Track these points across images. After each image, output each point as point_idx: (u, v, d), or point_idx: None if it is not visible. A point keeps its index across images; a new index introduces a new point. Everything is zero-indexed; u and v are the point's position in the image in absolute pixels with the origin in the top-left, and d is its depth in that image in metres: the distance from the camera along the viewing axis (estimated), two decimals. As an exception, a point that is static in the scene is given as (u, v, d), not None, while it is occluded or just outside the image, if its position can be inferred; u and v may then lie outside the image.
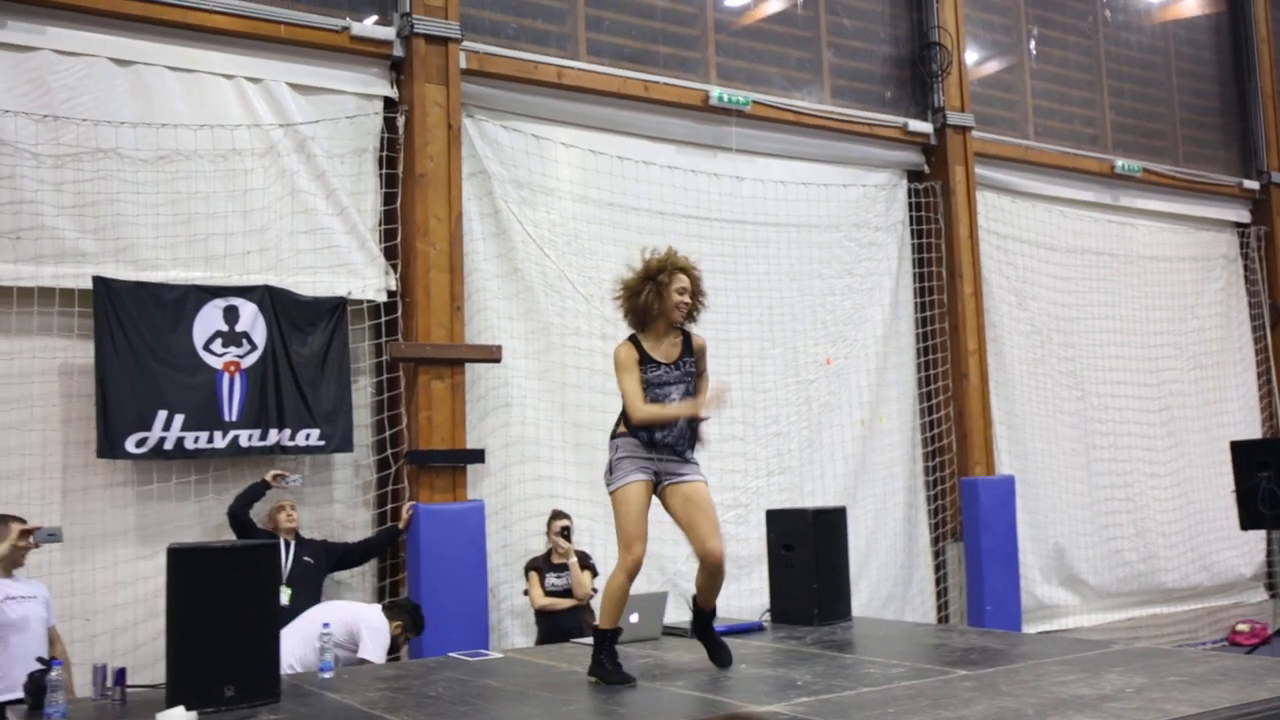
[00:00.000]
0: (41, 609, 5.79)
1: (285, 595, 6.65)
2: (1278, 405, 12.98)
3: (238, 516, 6.84)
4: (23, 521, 5.81)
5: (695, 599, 5.45)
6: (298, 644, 6.12)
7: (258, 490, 6.95)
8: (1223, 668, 4.91)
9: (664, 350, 5.20)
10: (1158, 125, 12.81)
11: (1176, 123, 12.96)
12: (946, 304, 10.40)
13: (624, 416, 5.20)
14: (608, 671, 5.02)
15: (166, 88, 7.23)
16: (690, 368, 5.26)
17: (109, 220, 6.96)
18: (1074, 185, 11.71)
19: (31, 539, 5.72)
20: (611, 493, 5.13)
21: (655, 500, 5.21)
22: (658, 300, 5.13)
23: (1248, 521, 10.30)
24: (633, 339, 5.24)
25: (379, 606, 6.71)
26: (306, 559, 6.97)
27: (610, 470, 5.17)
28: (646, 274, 5.19)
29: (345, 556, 7.29)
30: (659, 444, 5.13)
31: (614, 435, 5.23)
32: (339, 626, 6.25)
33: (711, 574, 5.26)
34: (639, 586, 8.12)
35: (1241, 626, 11.99)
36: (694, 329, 5.37)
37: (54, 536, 5.78)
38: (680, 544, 8.68)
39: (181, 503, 7.03)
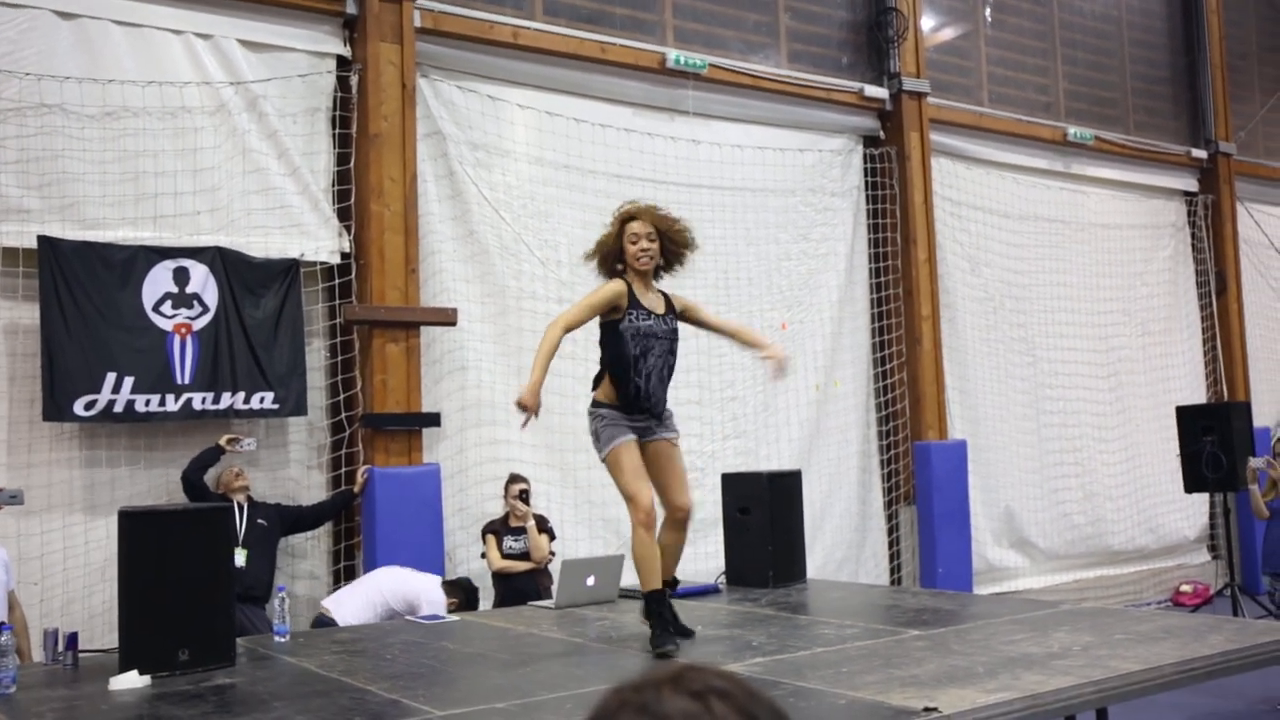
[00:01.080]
0: (0, 572, 5.70)
1: (240, 557, 6.62)
2: (1221, 371, 13.22)
3: (191, 481, 6.77)
4: None
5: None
6: (360, 606, 6.16)
7: (212, 455, 6.88)
8: (1167, 626, 5.01)
9: (649, 302, 5.01)
10: (1109, 94, 12.91)
11: (1127, 91, 13.08)
12: (901, 269, 10.46)
13: (599, 384, 5.06)
14: (673, 634, 4.83)
15: (113, 42, 7.07)
16: (673, 325, 5.08)
17: (54, 177, 6.81)
18: (1027, 152, 11.80)
19: None
20: (604, 460, 4.99)
21: None
22: (618, 250, 4.97)
23: (1191, 485, 10.51)
24: (623, 278, 5.03)
25: (438, 580, 6.75)
26: (260, 521, 6.92)
27: (597, 438, 5.01)
28: (614, 224, 5.05)
29: (299, 520, 7.24)
30: (640, 407, 4.98)
31: (594, 404, 5.05)
32: (397, 596, 6.35)
33: (678, 528, 5.15)
34: (597, 551, 8.20)
35: (1185, 587, 12.26)
36: (676, 292, 5.20)
37: (15, 499, 5.68)
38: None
39: (132, 467, 6.95)
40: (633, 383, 4.92)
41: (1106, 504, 11.92)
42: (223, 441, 6.91)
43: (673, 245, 5.05)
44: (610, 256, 5.02)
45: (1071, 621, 5.21)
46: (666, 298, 5.12)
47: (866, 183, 10.55)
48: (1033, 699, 3.78)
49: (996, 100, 11.74)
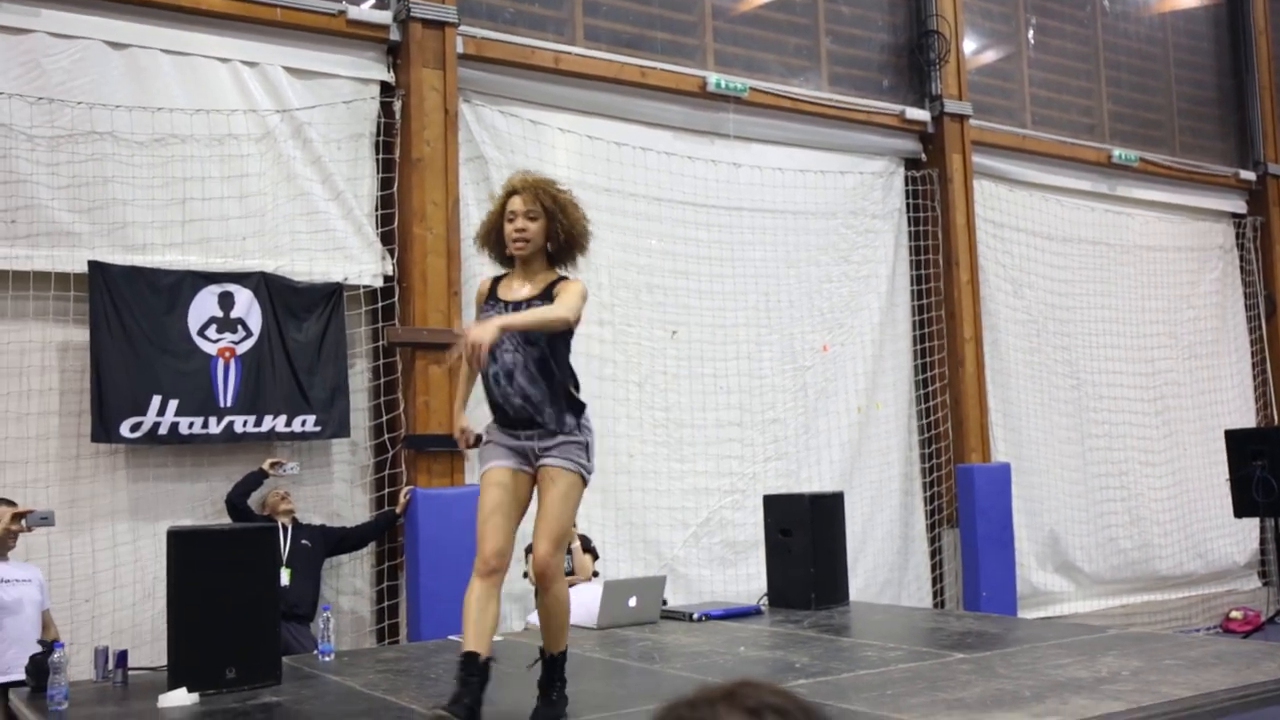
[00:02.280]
0: (36, 592, 5.78)
1: (285, 576, 6.68)
2: (1272, 394, 13.01)
3: (236, 505, 6.85)
4: (14, 505, 5.80)
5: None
6: None
7: (256, 479, 6.95)
8: (1218, 652, 4.93)
9: (517, 287, 4.24)
10: (1155, 115, 12.81)
11: (1174, 113, 12.96)
12: (943, 292, 10.40)
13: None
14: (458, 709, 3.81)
15: (161, 71, 7.19)
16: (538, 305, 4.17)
17: (104, 203, 6.93)
18: (1071, 174, 11.71)
19: (24, 522, 5.72)
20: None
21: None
22: (498, 228, 4.24)
23: (1241, 509, 10.35)
24: (499, 276, 4.35)
25: None
26: (304, 542, 6.98)
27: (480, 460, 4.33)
28: (499, 199, 4.32)
29: (343, 541, 7.29)
30: (508, 418, 4.14)
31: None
32: None
33: (539, 587, 4.16)
34: (638, 572, 8.18)
35: (1235, 614, 12.02)
36: (576, 274, 4.31)
37: (46, 520, 5.77)
38: (677, 528, 8.77)
39: (177, 486, 7.03)
40: (488, 391, 4.18)
41: (1154, 528, 11.75)
42: (266, 465, 6.98)
43: (563, 230, 4.20)
44: (491, 236, 4.29)
45: (1120, 646, 5.14)
46: (551, 285, 4.22)
47: (908, 205, 10.51)
48: (1082, 724, 3.73)
49: (1040, 122, 11.68)
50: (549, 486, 4.10)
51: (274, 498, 7.04)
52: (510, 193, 4.24)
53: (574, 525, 7.41)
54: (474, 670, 3.87)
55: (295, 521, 7.08)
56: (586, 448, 4.20)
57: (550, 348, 4.19)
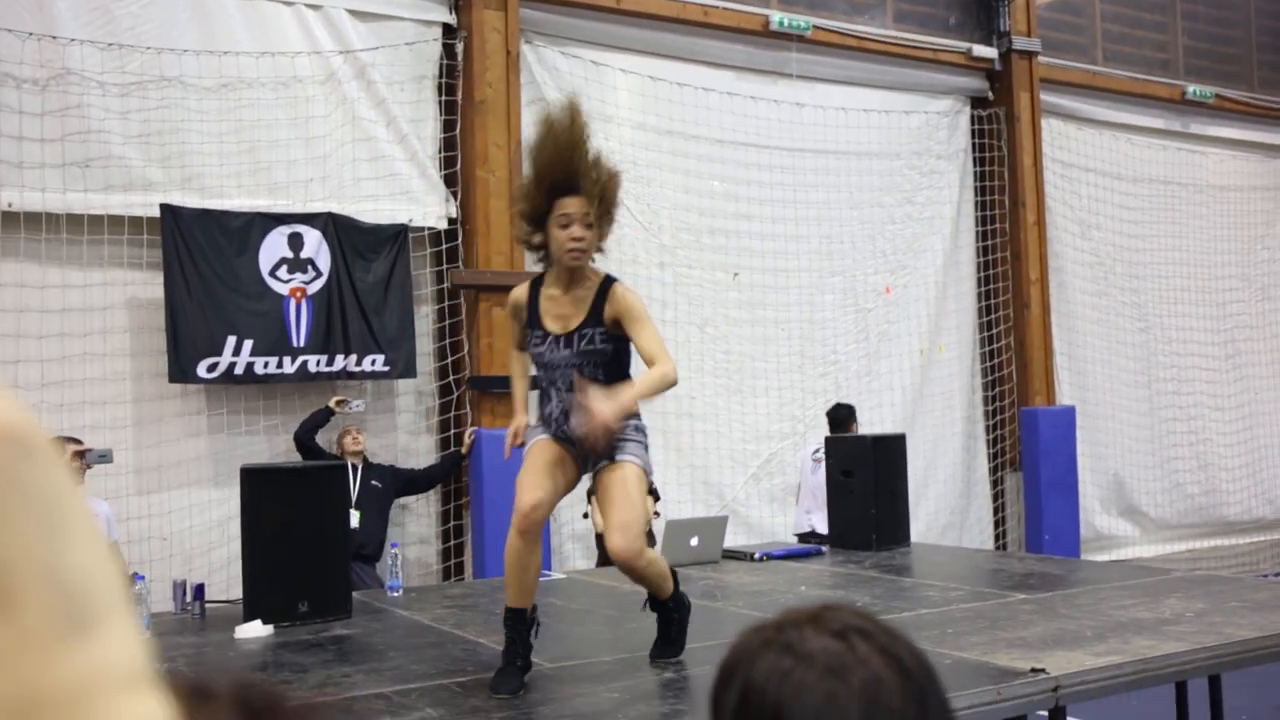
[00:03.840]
0: (103, 525, 5.94)
1: (355, 518, 6.81)
2: (1348, 337, 12.70)
3: (304, 442, 6.99)
4: (79, 442, 5.95)
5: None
6: None
7: (322, 416, 7.08)
8: (1285, 595, 4.89)
9: (560, 309, 3.77)
10: (1232, 50, 12.43)
11: (1252, 47, 12.57)
12: (1008, 233, 10.26)
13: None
14: (516, 672, 3.74)
15: (227, 15, 7.26)
16: (585, 346, 3.72)
17: (175, 149, 7.05)
18: (1143, 112, 11.44)
19: (85, 460, 5.87)
20: None
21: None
22: (546, 238, 3.69)
23: (1314, 454, 10.16)
24: (536, 281, 3.87)
25: None
26: (374, 483, 7.11)
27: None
28: (535, 181, 3.67)
29: (411, 482, 7.42)
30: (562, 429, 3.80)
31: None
32: None
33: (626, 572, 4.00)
34: (699, 512, 8.26)
35: (1304, 559, 11.88)
36: (621, 277, 3.88)
37: (104, 457, 5.92)
38: (738, 471, 8.82)
39: (250, 428, 7.20)
40: (547, 411, 3.89)
41: (1222, 474, 11.59)
42: (332, 403, 7.10)
43: (610, 226, 3.78)
44: (528, 221, 3.71)
45: (1184, 588, 5.11)
46: (598, 302, 3.73)
47: (973, 145, 10.35)
48: (1143, 663, 3.73)
49: (1111, 59, 11.39)
50: (618, 478, 3.77)
51: (346, 439, 7.16)
52: (561, 187, 3.60)
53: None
54: (521, 625, 3.78)
55: (366, 461, 7.21)
56: (645, 447, 3.92)
57: (615, 359, 3.81)
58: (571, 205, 3.59)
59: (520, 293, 3.88)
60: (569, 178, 3.60)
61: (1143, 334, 11.22)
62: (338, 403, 7.11)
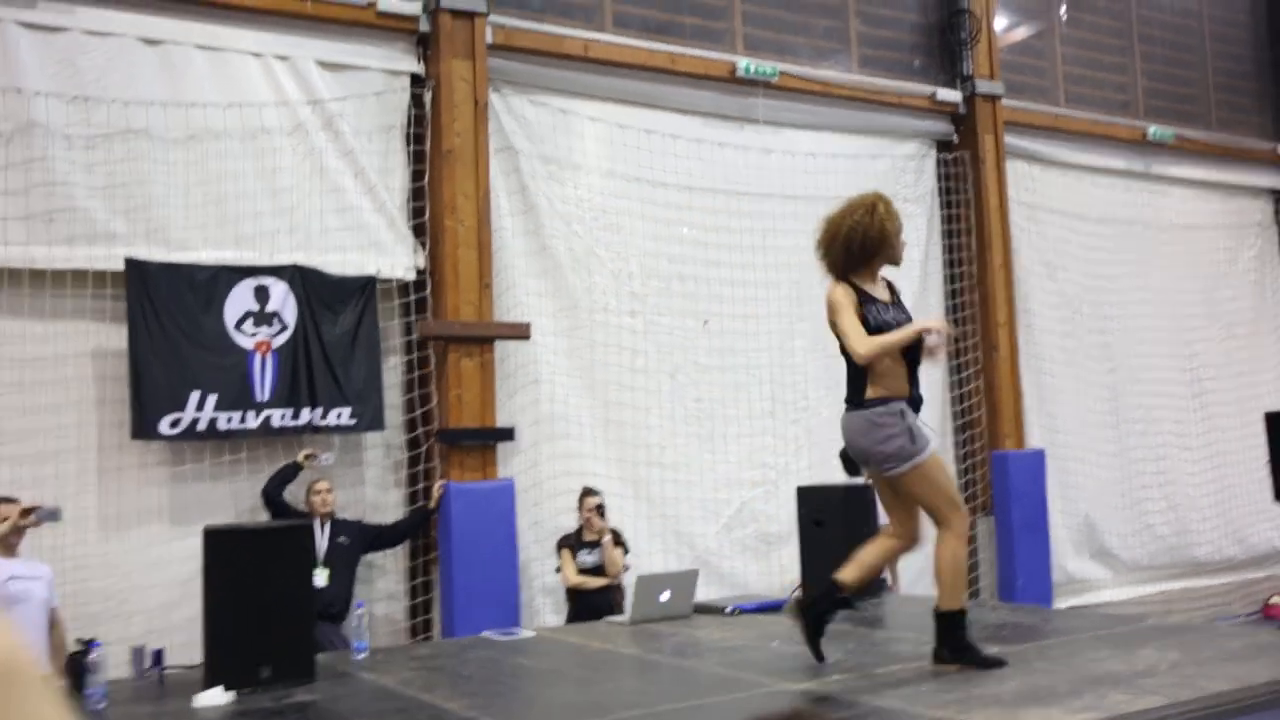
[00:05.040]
0: (43, 590, 5.73)
1: (322, 576, 6.71)
2: (1313, 375, 12.82)
3: (272, 498, 6.89)
4: (17, 501, 5.79)
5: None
6: None
7: (290, 471, 6.99)
8: (1258, 644, 4.88)
9: (879, 291, 4.71)
10: (1190, 90, 12.62)
11: (1210, 88, 12.76)
12: (976, 275, 10.32)
13: (866, 378, 4.55)
14: (979, 654, 4.51)
15: (194, 66, 7.23)
16: (905, 315, 4.73)
17: (140, 201, 6.99)
18: (1105, 153, 11.57)
19: (33, 517, 5.73)
20: (916, 464, 4.45)
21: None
22: (882, 236, 4.64)
23: (1282, 493, 10.19)
24: (847, 281, 4.67)
25: None
26: (341, 539, 7.01)
27: (908, 438, 4.45)
28: (864, 208, 4.69)
29: (379, 538, 7.32)
30: (917, 405, 4.56)
31: (872, 402, 4.51)
32: None
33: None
34: (670, 565, 8.20)
35: (1276, 599, 11.91)
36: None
37: (54, 515, 5.77)
38: (709, 520, 8.76)
39: (215, 483, 7.09)
40: (901, 370, 4.59)
41: (1191, 514, 11.63)
42: (300, 458, 7.01)
43: None
44: (870, 247, 4.67)
45: (1158, 638, 5.09)
46: (889, 285, 4.87)
47: (940, 187, 10.42)
48: (1120, 721, 3.70)
49: (1073, 100, 11.53)
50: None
51: (314, 496, 7.05)
52: (891, 215, 4.71)
53: (604, 519, 7.44)
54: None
55: (333, 518, 7.11)
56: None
57: None
58: (896, 225, 4.77)
59: (848, 287, 4.66)
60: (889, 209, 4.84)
61: (1111, 374, 11.28)
62: (306, 456, 7.02)
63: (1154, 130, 11.80)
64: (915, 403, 4.59)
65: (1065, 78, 11.59)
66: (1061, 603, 10.02)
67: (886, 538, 4.79)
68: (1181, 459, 11.66)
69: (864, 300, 4.58)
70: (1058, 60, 11.59)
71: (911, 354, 4.59)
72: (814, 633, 4.63)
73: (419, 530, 7.60)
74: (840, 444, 9.12)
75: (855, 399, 4.60)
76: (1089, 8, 11.93)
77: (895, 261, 4.76)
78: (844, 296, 4.57)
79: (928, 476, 4.49)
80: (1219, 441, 11.96)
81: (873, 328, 4.51)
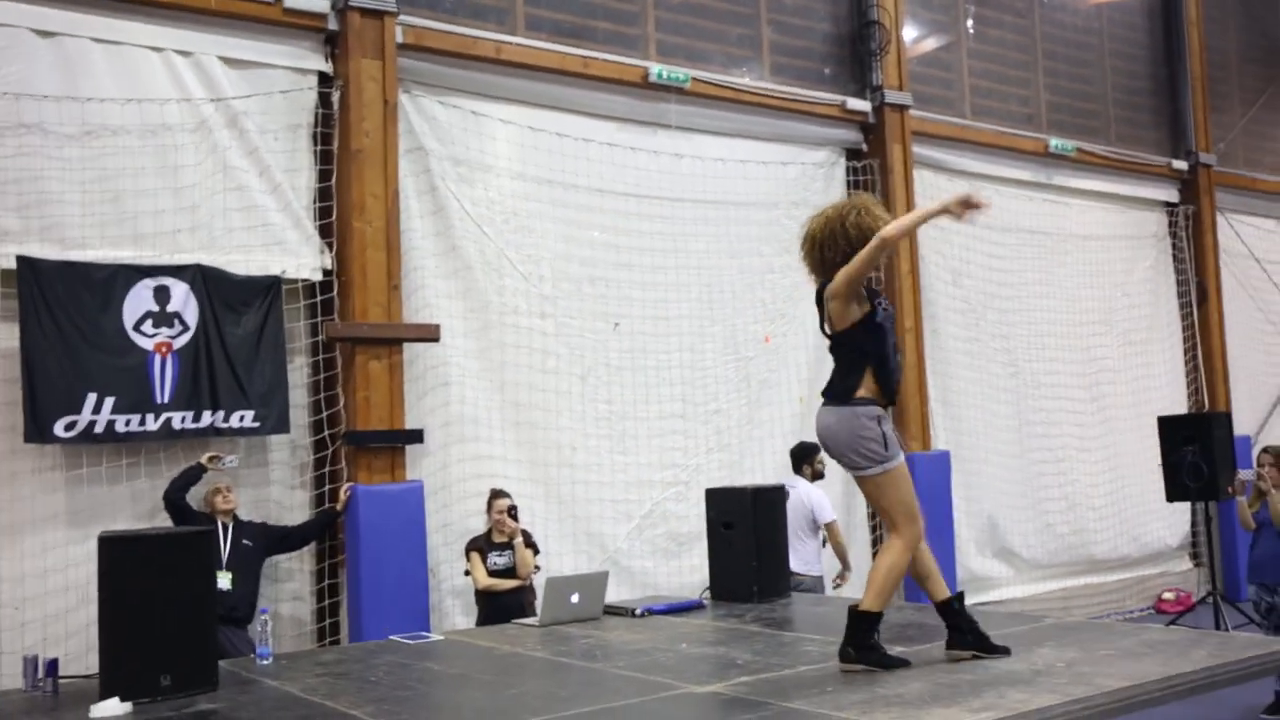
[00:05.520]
0: None
1: (225, 580, 6.58)
2: (1203, 381, 13.27)
3: (174, 501, 6.73)
4: None
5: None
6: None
7: (194, 474, 6.84)
8: (1150, 640, 5.02)
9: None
10: (1091, 105, 12.98)
11: (1109, 103, 13.15)
12: (884, 281, 10.48)
13: (856, 383, 4.57)
14: (885, 656, 4.58)
15: (92, 60, 7.03)
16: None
17: (33, 198, 6.78)
18: (1009, 164, 11.85)
19: None
20: (884, 470, 4.52)
21: None
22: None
23: (1173, 493, 10.54)
24: None
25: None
26: (245, 542, 6.88)
27: (879, 442, 4.49)
28: (857, 209, 4.68)
29: (285, 539, 7.21)
30: (894, 393, 4.64)
31: (862, 401, 4.53)
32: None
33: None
34: (581, 566, 8.20)
35: (1167, 595, 12.32)
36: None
37: None
38: (620, 521, 8.77)
39: (113, 487, 6.90)
40: (893, 375, 4.63)
41: (1089, 513, 11.96)
42: (204, 460, 6.87)
43: None
44: (859, 243, 4.58)
45: (1056, 636, 5.22)
46: None
47: (849, 195, 10.56)
48: (1019, 718, 3.78)
49: (979, 112, 11.79)
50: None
51: (215, 496, 6.92)
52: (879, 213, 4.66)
53: (517, 520, 7.41)
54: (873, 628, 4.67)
55: (236, 520, 6.98)
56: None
57: None
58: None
59: None
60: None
61: (1013, 379, 11.55)
62: (210, 459, 6.88)
63: (1056, 143, 12.11)
64: (892, 399, 4.73)
65: (971, 90, 11.84)
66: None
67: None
68: (1080, 460, 11.98)
69: (871, 295, 4.67)
70: (964, 73, 11.85)
71: (884, 364, 4.62)
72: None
73: (325, 532, 7.49)
74: (752, 445, 9.21)
75: (842, 396, 4.59)
76: (995, 23, 12.21)
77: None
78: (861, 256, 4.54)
79: (893, 484, 4.58)
80: (1116, 444, 12.32)
81: (879, 322, 4.63)
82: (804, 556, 8.11)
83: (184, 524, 6.66)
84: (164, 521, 6.75)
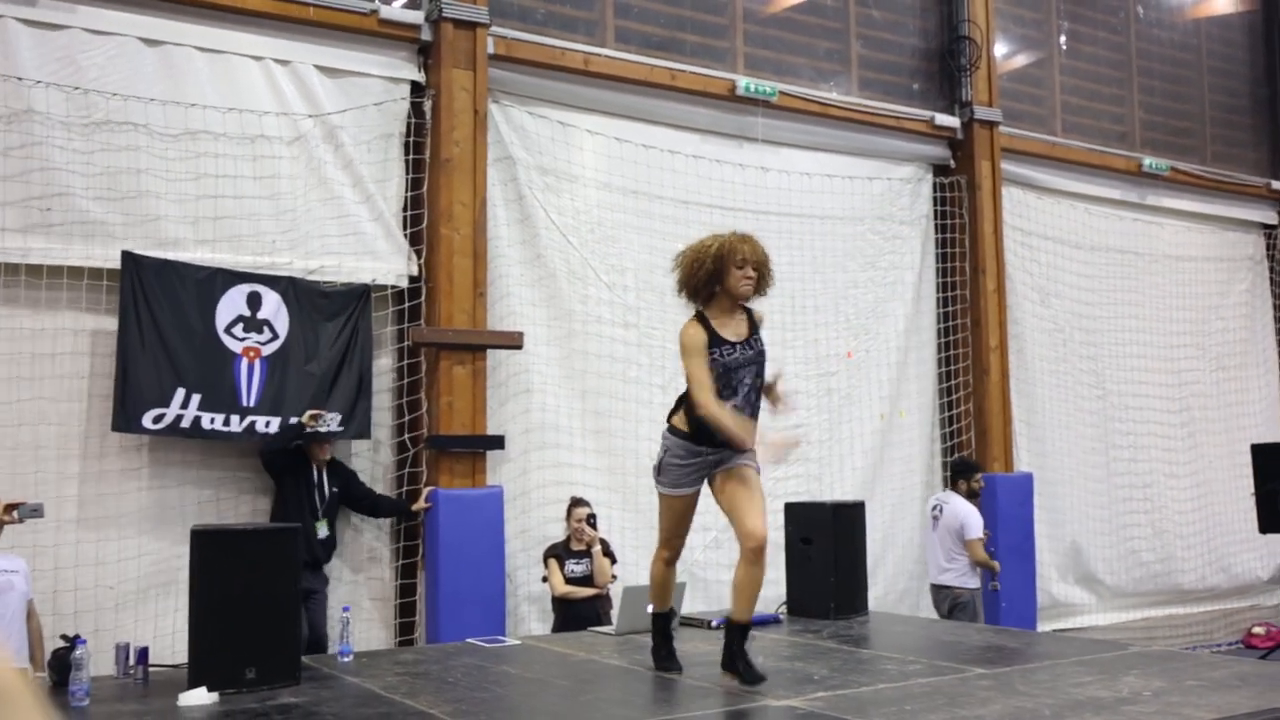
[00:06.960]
0: (21, 582, 5.76)
1: (324, 528, 7.00)
2: (1300, 409, 12.89)
3: (271, 457, 6.97)
4: None
5: (728, 618, 5.03)
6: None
7: (293, 431, 6.99)
8: (1240, 673, 4.90)
9: (733, 328, 4.86)
10: (1186, 124, 12.71)
11: (1206, 121, 12.85)
12: (969, 299, 10.35)
13: (681, 407, 4.90)
14: (658, 656, 5.20)
15: (194, 68, 7.23)
16: (760, 347, 4.94)
17: (135, 195, 6.97)
18: (1100, 183, 11.64)
19: (15, 514, 5.71)
20: (659, 492, 5.05)
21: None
22: (721, 276, 4.80)
23: (1266, 524, 10.24)
24: (699, 316, 4.87)
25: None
26: (335, 489, 7.17)
27: (659, 471, 4.98)
28: (707, 250, 4.85)
29: (360, 499, 7.39)
30: (713, 439, 4.79)
31: (670, 429, 4.93)
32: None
33: (751, 561, 4.87)
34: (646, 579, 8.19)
35: (1257, 629, 11.94)
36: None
37: (36, 512, 5.74)
38: (696, 532, 8.74)
39: (198, 480, 7.06)
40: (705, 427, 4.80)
41: (1177, 542, 11.67)
42: (305, 417, 7.00)
43: (764, 284, 4.98)
44: (704, 279, 4.84)
45: (1141, 665, 5.11)
46: (749, 314, 4.99)
47: (936, 211, 10.46)
48: (1101, 746, 3.71)
49: (1070, 130, 11.60)
50: (753, 481, 4.97)
51: (313, 444, 7.10)
52: (738, 242, 4.82)
53: (596, 529, 7.44)
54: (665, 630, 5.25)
55: (330, 465, 7.20)
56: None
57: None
58: (747, 251, 4.84)
59: (698, 327, 4.82)
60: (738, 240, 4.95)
61: (1100, 401, 11.32)
62: (312, 416, 7.00)
63: (1149, 162, 11.87)
64: (704, 437, 4.84)
65: (1063, 107, 11.66)
66: (1045, 626, 10.03)
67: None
68: (1168, 487, 11.70)
69: (713, 341, 4.78)
70: (1056, 89, 11.67)
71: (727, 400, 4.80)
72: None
73: (390, 514, 7.60)
74: (833, 461, 9.17)
75: (670, 416, 4.99)
76: (1088, 39, 12.02)
77: (736, 296, 4.87)
78: (692, 340, 4.78)
79: (659, 503, 5.11)
80: (1206, 470, 12.01)
81: (722, 365, 4.78)
82: (959, 570, 8.36)
83: (283, 469, 6.92)
84: (242, 518, 6.91)
